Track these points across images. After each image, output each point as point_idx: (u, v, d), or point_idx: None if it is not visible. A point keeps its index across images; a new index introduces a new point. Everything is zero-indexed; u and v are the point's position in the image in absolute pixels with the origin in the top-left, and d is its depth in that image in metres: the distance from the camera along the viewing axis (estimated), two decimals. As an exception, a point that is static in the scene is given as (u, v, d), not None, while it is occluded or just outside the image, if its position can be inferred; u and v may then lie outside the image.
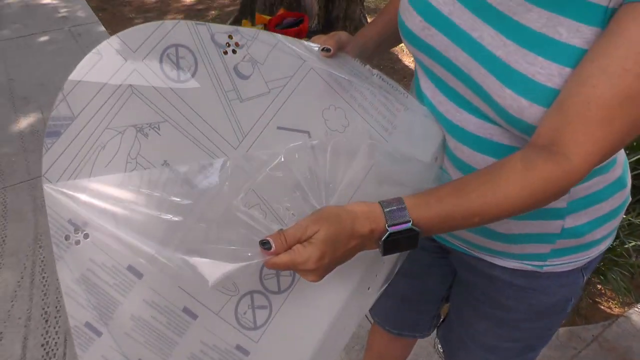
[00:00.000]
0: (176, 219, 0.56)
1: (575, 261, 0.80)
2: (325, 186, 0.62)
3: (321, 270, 0.56)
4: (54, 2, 3.89)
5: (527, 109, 0.60)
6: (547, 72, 0.58)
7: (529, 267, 0.80)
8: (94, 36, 3.43)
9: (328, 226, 0.55)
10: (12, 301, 1.80)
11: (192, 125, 0.59)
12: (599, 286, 1.98)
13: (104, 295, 0.55)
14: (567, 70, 0.58)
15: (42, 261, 1.94)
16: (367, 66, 0.75)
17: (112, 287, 0.55)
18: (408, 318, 1.12)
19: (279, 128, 0.64)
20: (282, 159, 0.61)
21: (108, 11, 3.80)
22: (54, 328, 1.72)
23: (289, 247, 0.55)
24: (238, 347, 0.60)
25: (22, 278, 1.88)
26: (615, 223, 0.80)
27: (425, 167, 0.72)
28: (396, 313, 1.12)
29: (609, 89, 0.54)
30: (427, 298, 1.06)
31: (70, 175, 0.54)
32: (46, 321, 1.74)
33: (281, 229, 0.56)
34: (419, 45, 0.72)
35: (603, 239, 0.80)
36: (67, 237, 0.54)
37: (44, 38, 3.41)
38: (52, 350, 1.66)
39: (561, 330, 1.80)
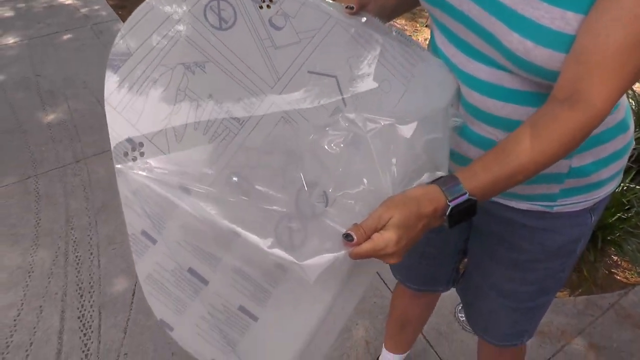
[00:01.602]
0: (220, 140, 0.63)
1: (584, 201, 0.85)
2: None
3: (400, 251, 0.63)
4: (76, 2, 4.00)
5: (533, 51, 0.65)
6: (551, 16, 0.63)
7: (540, 208, 0.85)
8: (115, 33, 3.53)
9: (399, 212, 0.62)
10: (48, 278, 1.89)
11: (233, 66, 0.66)
12: (615, 257, 2.01)
13: (158, 206, 0.61)
14: (569, 13, 0.63)
15: (75, 241, 2.02)
16: (387, 24, 0.81)
17: (164, 201, 0.61)
18: (427, 273, 1.17)
19: (309, 72, 0.71)
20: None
21: (127, 8, 3.89)
22: (89, 302, 1.81)
23: (368, 237, 0.62)
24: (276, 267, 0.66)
25: (56, 257, 1.97)
26: (620, 164, 0.85)
27: (441, 114, 0.78)
28: (416, 269, 1.17)
29: (622, 37, 0.59)
30: (446, 251, 1.11)
31: (128, 101, 0.61)
32: (81, 296, 1.83)
33: (355, 223, 0.63)
34: (434, 1, 0.78)
35: (609, 179, 0.85)
36: (125, 154, 0.61)
37: (67, 36, 3.52)
38: (88, 322, 1.75)
39: (578, 298, 1.84)
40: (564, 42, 0.64)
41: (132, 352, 1.65)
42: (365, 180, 0.68)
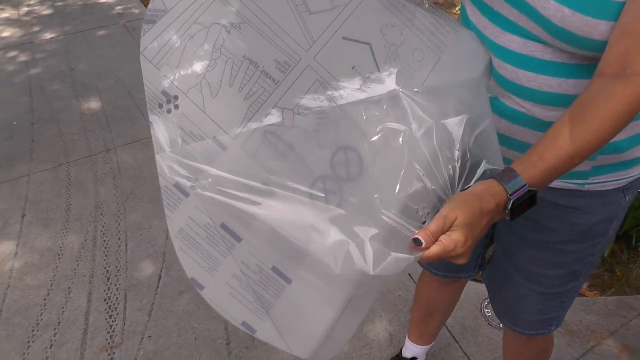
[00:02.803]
0: (255, 99, 0.63)
1: (617, 180, 0.82)
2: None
3: (468, 251, 0.63)
4: (110, 0, 4.10)
5: (569, 18, 0.64)
6: None
7: (571, 186, 0.83)
8: (147, 30, 3.60)
9: (463, 212, 0.62)
10: (77, 261, 1.93)
11: (268, 28, 0.66)
12: (651, 258, 1.94)
13: (192, 159, 0.61)
14: None
15: (103, 226, 2.06)
16: None
17: (199, 154, 0.61)
18: None
19: (343, 38, 0.71)
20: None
21: (159, 7, 3.98)
22: (115, 285, 1.83)
23: (435, 240, 0.62)
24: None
25: (85, 241, 2.00)
26: None
27: (475, 84, 0.76)
28: None
29: None
30: None
31: (164, 55, 0.62)
32: (108, 279, 1.86)
33: (422, 226, 0.64)
34: None
35: None
36: (160, 105, 0.61)
37: (101, 32, 3.61)
38: (114, 304, 1.77)
39: (609, 298, 1.78)
40: (602, 8, 0.63)
41: (156, 335, 1.67)
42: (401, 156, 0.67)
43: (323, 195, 0.64)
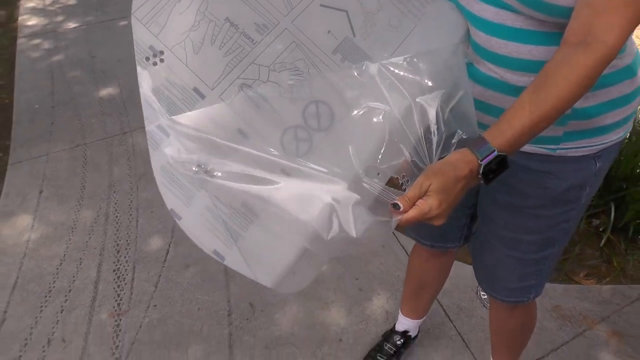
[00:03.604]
0: (234, 56, 0.71)
1: (588, 146, 0.87)
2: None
3: (443, 213, 0.70)
4: (131, -7, 4.25)
5: None
6: None
7: (543, 151, 0.88)
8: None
9: (437, 178, 0.69)
10: (89, 234, 2.03)
11: None
12: (650, 250, 1.97)
13: (173, 105, 0.69)
14: None
15: (116, 203, 2.16)
16: None
17: (180, 100, 0.69)
18: (439, 227, 1.19)
19: (321, 5, 0.78)
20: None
21: None
22: (124, 257, 1.93)
23: (413, 205, 0.69)
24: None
25: (97, 216, 2.11)
26: (626, 111, 0.87)
27: (452, 51, 0.82)
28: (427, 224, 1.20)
29: None
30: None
31: (153, 16, 0.70)
32: (117, 252, 1.95)
33: (403, 193, 0.71)
34: None
35: (614, 126, 0.87)
36: (147, 59, 0.70)
37: (122, 23, 3.74)
38: (122, 275, 1.87)
39: (604, 287, 1.81)
40: None
41: (161, 305, 1.75)
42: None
43: (294, 141, 0.71)
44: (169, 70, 0.70)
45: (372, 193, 0.71)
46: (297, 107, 0.73)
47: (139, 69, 0.69)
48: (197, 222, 0.70)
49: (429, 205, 0.69)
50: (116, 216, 2.11)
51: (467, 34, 0.84)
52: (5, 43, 3.64)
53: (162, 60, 0.70)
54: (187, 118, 0.69)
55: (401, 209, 0.69)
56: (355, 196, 0.70)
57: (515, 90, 0.81)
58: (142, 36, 0.70)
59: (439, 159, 0.74)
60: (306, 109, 0.73)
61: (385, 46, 0.79)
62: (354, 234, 0.68)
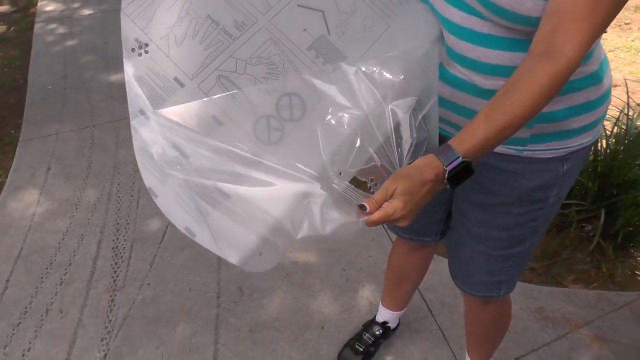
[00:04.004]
0: (213, 50, 0.77)
1: (554, 149, 0.90)
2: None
3: (408, 215, 0.74)
4: (149, -19, 4.35)
5: None
6: None
7: (511, 151, 0.92)
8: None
9: (402, 182, 0.73)
10: (92, 212, 2.12)
11: None
12: None
13: (154, 92, 0.76)
14: None
15: (119, 184, 2.25)
16: None
17: (161, 88, 0.76)
18: (417, 221, 1.23)
19: (298, 5, 0.83)
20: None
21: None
22: (123, 236, 2.02)
23: (379, 207, 0.73)
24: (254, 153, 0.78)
25: (101, 195, 2.20)
26: (593, 116, 0.90)
27: (425, 54, 0.87)
28: None
29: None
30: (432, 201, 1.18)
31: (140, 12, 0.77)
32: (117, 230, 2.04)
33: (370, 195, 0.76)
34: None
35: (581, 130, 0.90)
36: (132, 50, 0.77)
37: (137, 10, 3.84)
38: (120, 253, 1.95)
39: (591, 292, 1.85)
40: None
41: (154, 283, 1.84)
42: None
43: (266, 129, 0.77)
44: (152, 61, 0.76)
45: (342, 194, 0.77)
46: (271, 98, 0.79)
47: (125, 59, 0.76)
48: (171, 199, 0.75)
49: (393, 207, 0.73)
50: (118, 196, 2.20)
51: (441, 36, 0.88)
52: (23, 26, 3.77)
53: (146, 52, 0.77)
54: (166, 104, 0.75)
55: (367, 210, 0.73)
56: (326, 196, 0.75)
57: (483, 93, 0.85)
58: (129, 30, 0.77)
59: (408, 164, 0.78)
60: (279, 100, 0.79)
61: (359, 45, 0.84)
62: (322, 232, 0.73)
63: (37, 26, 3.68)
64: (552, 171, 0.93)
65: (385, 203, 0.73)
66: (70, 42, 3.43)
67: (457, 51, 0.85)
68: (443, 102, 0.91)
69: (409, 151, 0.80)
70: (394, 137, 0.80)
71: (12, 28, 3.87)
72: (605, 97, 0.91)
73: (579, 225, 2.02)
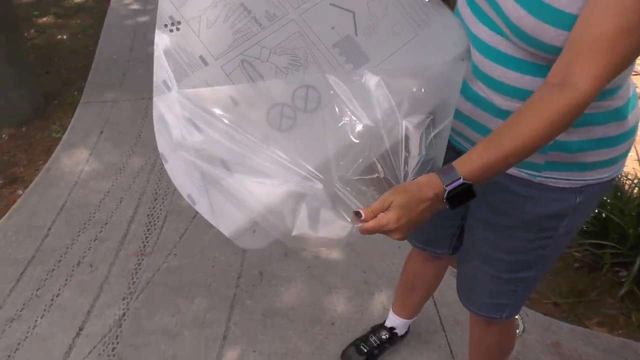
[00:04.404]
0: (241, 35, 0.82)
1: (568, 179, 0.90)
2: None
3: (402, 229, 0.74)
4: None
5: (524, 18, 0.75)
6: None
7: (524, 175, 0.92)
8: None
9: (400, 196, 0.74)
10: (134, 178, 2.25)
11: None
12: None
13: (179, 66, 0.80)
14: None
15: (164, 157, 2.37)
16: None
17: (186, 64, 0.81)
18: (430, 233, 1.25)
19: (331, 4, 0.87)
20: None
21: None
22: (160, 206, 2.13)
23: (375, 216, 0.74)
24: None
25: (145, 164, 2.33)
26: (613, 152, 0.89)
27: (450, 67, 0.88)
28: (421, 227, 1.26)
29: (611, 24, 0.67)
30: (446, 214, 1.18)
31: None
32: (155, 200, 2.15)
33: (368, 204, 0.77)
34: None
35: (598, 165, 0.89)
36: (165, 25, 0.81)
37: None
38: (154, 221, 2.06)
39: (615, 339, 1.80)
40: (550, 15, 0.73)
41: (181, 255, 1.93)
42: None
43: (279, 116, 0.80)
44: (182, 38, 0.81)
45: (341, 198, 0.79)
46: (289, 87, 0.82)
47: (157, 32, 0.81)
48: (178, 167, 0.80)
49: (387, 218, 0.73)
50: (161, 168, 2.32)
51: (469, 50, 0.87)
52: (102, -3, 4.00)
53: (177, 29, 0.82)
54: (189, 79, 0.80)
55: (362, 218, 0.75)
56: (325, 197, 0.78)
57: (501, 113, 0.86)
58: (165, 7, 0.82)
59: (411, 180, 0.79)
60: (297, 90, 0.82)
61: (384, 49, 0.86)
62: (314, 232, 0.76)
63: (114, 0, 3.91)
64: (564, 201, 0.92)
65: (381, 214, 0.74)
66: (141, 18, 3.62)
67: (480, 68, 0.86)
68: (462, 117, 0.92)
69: (414, 168, 0.81)
70: (402, 151, 0.80)
71: (91, -2, 4.12)
72: (628, 135, 0.89)
73: (612, 269, 1.97)
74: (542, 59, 0.79)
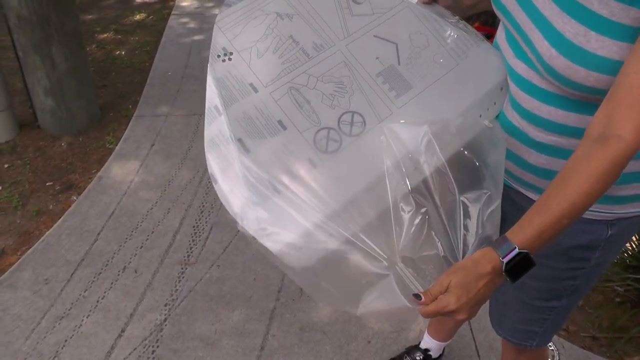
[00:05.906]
0: (290, 65, 0.90)
1: (601, 212, 0.92)
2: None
3: (464, 308, 0.76)
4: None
5: (556, 59, 0.80)
6: (575, 32, 0.77)
7: None
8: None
9: (456, 276, 0.76)
10: (182, 191, 2.40)
11: (314, 20, 0.95)
12: None
13: (229, 93, 0.88)
14: (592, 33, 0.75)
15: (211, 171, 2.53)
16: (456, 17, 1.01)
17: (236, 90, 0.89)
18: None
19: (375, 36, 0.96)
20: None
21: None
22: (205, 218, 2.27)
23: (434, 299, 0.77)
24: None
25: (193, 177, 2.48)
26: None
27: (491, 96, 0.95)
28: None
29: None
30: None
31: (231, 26, 0.92)
32: (201, 212, 2.30)
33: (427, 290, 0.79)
34: (499, 6, 0.96)
35: (631, 198, 0.92)
36: (218, 56, 0.90)
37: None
38: (200, 232, 2.20)
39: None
40: (582, 57, 0.77)
41: (224, 266, 2.05)
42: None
43: (325, 139, 0.87)
44: (234, 67, 0.90)
45: (402, 278, 0.83)
46: (335, 112, 0.88)
47: (210, 63, 0.90)
48: (227, 186, 0.83)
49: (446, 301, 0.75)
50: (208, 181, 2.47)
51: (507, 81, 0.93)
52: (160, 17, 4.30)
53: (230, 59, 0.90)
54: (239, 104, 0.87)
55: (422, 301, 0.78)
56: (390, 277, 0.81)
57: (535, 144, 0.91)
58: (218, 39, 0.92)
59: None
60: (342, 116, 0.89)
61: (426, 77, 0.93)
62: (375, 308, 0.80)
63: (172, 18, 4.19)
64: (595, 233, 0.95)
65: (440, 296, 0.76)
66: (197, 37, 3.87)
67: (516, 99, 0.92)
68: None
69: (472, 245, 0.83)
70: (461, 230, 0.83)
71: (151, 16, 4.44)
72: None
73: (668, 308, 1.95)
74: (573, 95, 0.83)
